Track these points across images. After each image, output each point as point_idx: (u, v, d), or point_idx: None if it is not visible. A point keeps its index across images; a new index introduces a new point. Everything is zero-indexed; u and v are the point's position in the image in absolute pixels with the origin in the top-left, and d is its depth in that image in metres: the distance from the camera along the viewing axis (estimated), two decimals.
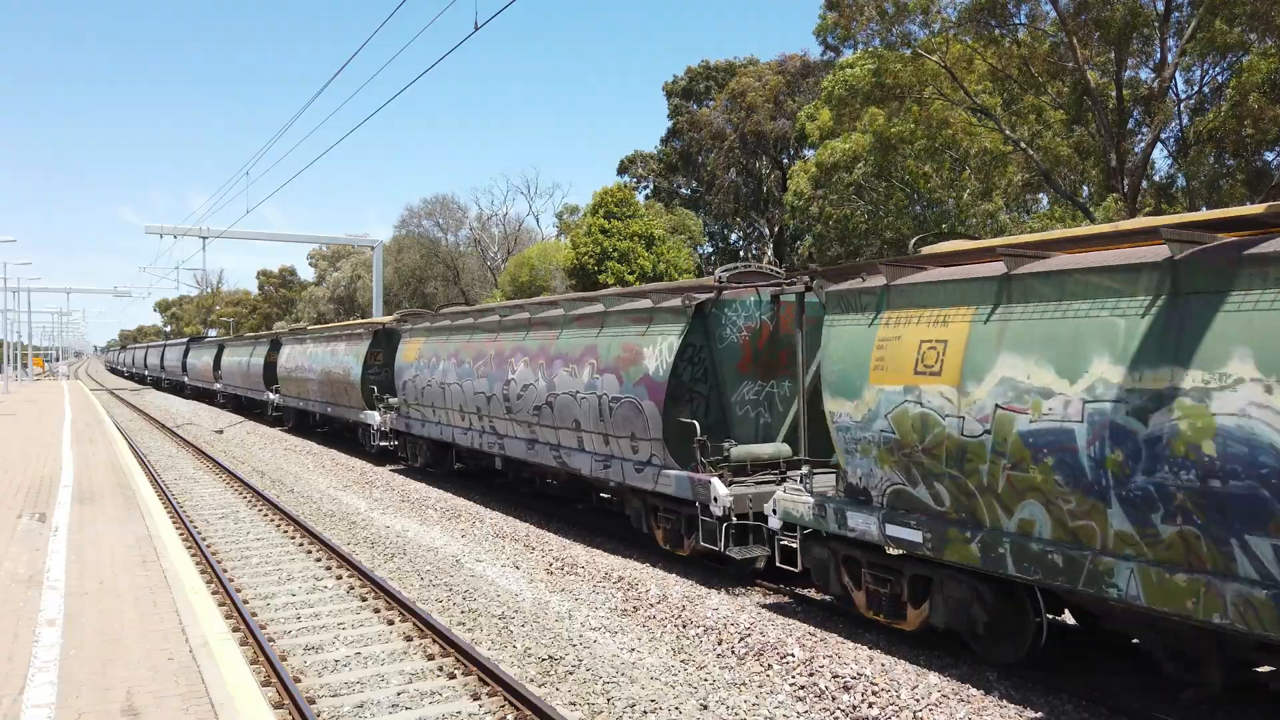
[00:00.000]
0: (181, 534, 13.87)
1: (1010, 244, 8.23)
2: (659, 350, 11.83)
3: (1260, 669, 7.30)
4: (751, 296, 11.98)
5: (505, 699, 7.63)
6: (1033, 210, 32.64)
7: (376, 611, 10.35)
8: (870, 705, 7.47)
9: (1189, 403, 6.34)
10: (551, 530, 14.75)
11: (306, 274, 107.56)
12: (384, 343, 24.07)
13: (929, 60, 27.49)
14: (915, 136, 29.07)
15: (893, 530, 8.63)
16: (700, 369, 11.84)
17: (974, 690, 7.72)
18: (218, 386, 46.30)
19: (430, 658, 8.80)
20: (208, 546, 13.44)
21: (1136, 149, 27.40)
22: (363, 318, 45.06)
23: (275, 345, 35.53)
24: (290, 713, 7.41)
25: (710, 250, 58.39)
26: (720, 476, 11.10)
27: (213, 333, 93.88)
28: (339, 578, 11.90)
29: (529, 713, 7.25)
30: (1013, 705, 7.45)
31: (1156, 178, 30.34)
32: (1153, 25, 25.03)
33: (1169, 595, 6.46)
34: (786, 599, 10.89)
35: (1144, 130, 28.13)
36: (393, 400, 22.48)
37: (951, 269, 8.63)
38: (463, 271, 71.69)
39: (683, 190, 59.70)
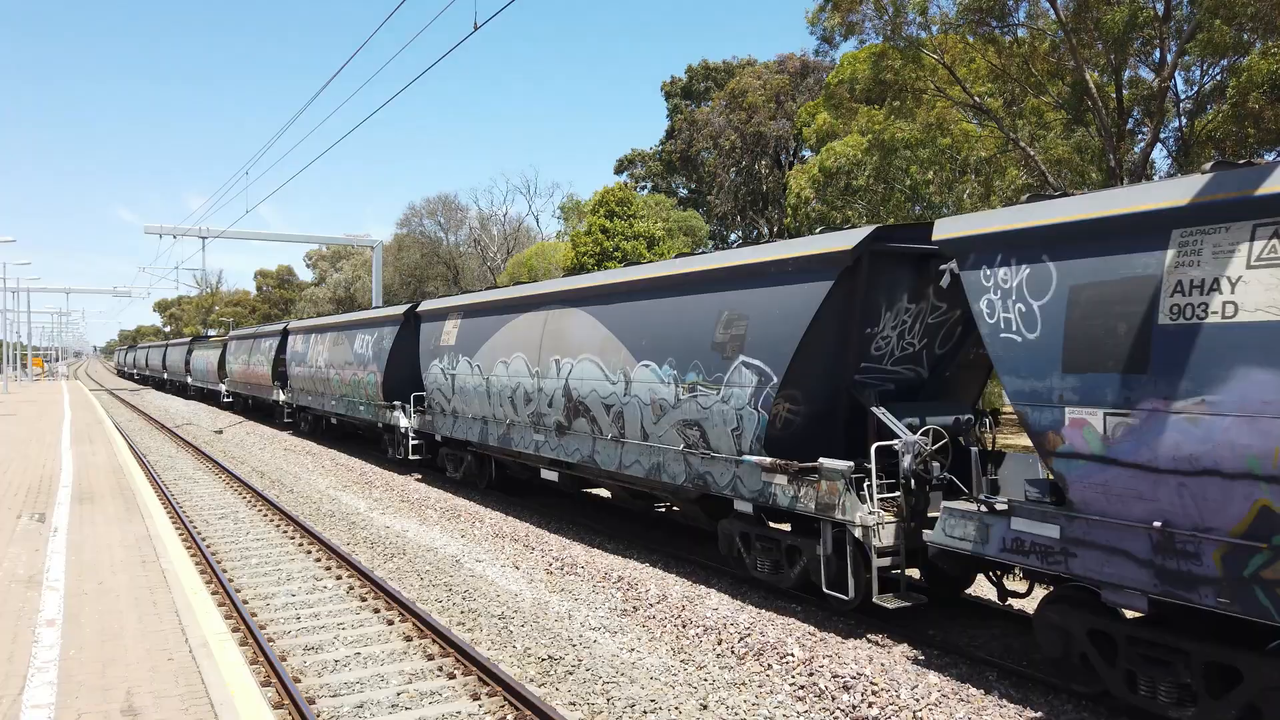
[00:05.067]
0: (181, 534, 13.87)
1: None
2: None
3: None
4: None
5: (505, 699, 7.62)
6: None
7: (376, 611, 10.35)
8: (870, 705, 7.47)
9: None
10: (551, 530, 14.76)
11: (304, 274, 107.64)
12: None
13: (928, 57, 27.46)
14: (915, 141, 29.03)
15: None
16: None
17: (974, 690, 7.71)
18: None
19: (430, 658, 8.80)
20: (207, 546, 13.43)
21: (1136, 149, 27.39)
22: None
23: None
24: (290, 713, 7.41)
25: (710, 249, 58.34)
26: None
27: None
28: (339, 578, 11.89)
29: (529, 713, 7.24)
30: (1012, 705, 7.44)
31: (1156, 178, 30.32)
32: (1153, 26, 25.01)
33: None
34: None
35: (1144, 130, 28.12)
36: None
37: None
38: (463, 271, 71.71)
39: (681, 190, 59.69)
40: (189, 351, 53.99)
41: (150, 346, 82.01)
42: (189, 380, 53.56)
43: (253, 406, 39.64)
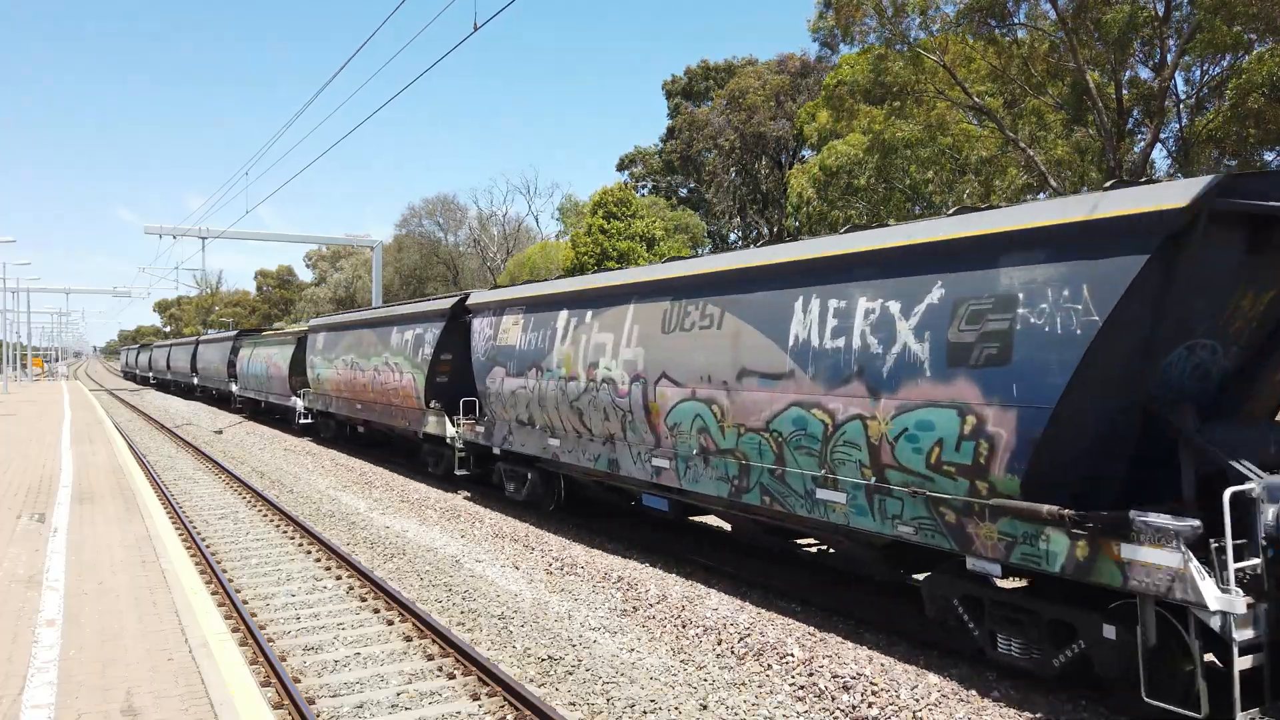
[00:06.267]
0: (181, 534, 13.87)
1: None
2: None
3: None
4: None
5: (505, 699, 7.62)
6: None
7: (376, 612, 10.34)
8: (870, 705, 7.47)
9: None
10: (550, 530, 14.75)
11: (304, 274, 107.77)
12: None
13: (928, 58, 27.48)
14: (916, 141, 29.06)
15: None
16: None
17: (974, 690, 7.71)
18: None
19: (430, 658, 8.80)
20: (207, 547, 13.43)
21: (1136, 149, 27.39)
22: None
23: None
24: (290, 713, 7.40)
25: (709, 250, 58.38)
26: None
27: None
28: (338, 578, 11.89)
29: (528, 713, 7.24)
30: (1012, 705, 7.44)
31: (1157, 178, 30.29)
32: (1152, 26, 25.01)
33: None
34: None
35: (1144, 130, 28.12)
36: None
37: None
38: (463, 271, 71.74)
39: (681, 190, 59.73)
40: (233, 350, 40.61)
41: (174, 344, 63.24)
42: (233, 389, 40.63)
43: (365, 438, 25.73)
